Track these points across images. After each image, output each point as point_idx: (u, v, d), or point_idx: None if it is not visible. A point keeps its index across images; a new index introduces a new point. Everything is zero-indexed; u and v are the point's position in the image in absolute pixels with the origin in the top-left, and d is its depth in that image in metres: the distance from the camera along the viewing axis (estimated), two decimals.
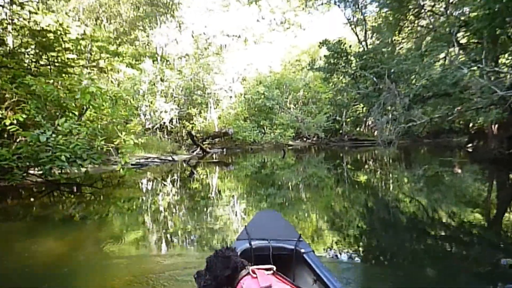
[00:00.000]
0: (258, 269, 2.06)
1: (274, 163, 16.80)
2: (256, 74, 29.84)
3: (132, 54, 11.89)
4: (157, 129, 22.55)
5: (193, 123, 25.47)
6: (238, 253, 2.30)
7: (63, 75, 8.51)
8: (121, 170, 7.60)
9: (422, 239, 5.09)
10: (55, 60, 10.61)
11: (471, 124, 25.85)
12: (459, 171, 12.36)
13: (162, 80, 22.26)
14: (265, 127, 27.82)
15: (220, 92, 25.93)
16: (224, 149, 24.04)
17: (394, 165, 15.49)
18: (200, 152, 20.10)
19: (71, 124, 7.12)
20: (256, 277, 1.96)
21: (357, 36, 22.24)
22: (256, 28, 32.58)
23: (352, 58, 18.03)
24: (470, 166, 13.49)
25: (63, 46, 10.33)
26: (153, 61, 22.37)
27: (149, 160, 14.54)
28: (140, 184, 10.31)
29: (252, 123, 27.08)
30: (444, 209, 6.96)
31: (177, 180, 11.53)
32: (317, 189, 9.50)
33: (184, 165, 15.08)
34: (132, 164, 12.68)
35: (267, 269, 2.10)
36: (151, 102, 20.98)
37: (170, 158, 15.87)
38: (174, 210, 7.09)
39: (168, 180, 11.41)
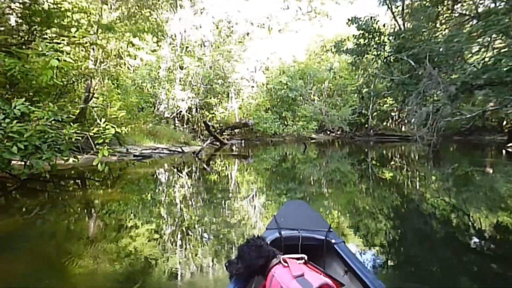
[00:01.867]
0: (290, 258, 2.00)
1: (296, 157, 15.73)
2: (279, 64, 28.23)
3: (130, 30, 10.33)
4: (175, 118, 21.15)
5: (213, 113, 24.34)
6: (268, 242, 2.26)
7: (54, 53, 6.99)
8: (99, 165, 5.91)
9: (459, 249, 4.30)
10: (45, 37, 9.13)
11: (505, 122, 23.37)
12: None
13: (181, 67, 20.70)
14: (287, 119, 26.40)
15: (241, 81, 24.31)
16: (243, 141, 22.66)
17: (423, 163, 13.76)
18: (217, 143, 18.57)
19: (27, 106, 5.48)
20: (288, 266, 1.90)
21: (393, 13, 18.99)
22: (281, 16, 30.63)
23: (385, 39, 15.35)
24: None
25: (55, 21, 8.78)
26: (172, 47, 20.77)
27: (156, 151, 13.14)
28: (140, 178, 8.96)
29: (273, 115, 26.06)
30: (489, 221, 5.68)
31: (187, 174, 10.31)
32: (340, 185, 8.79)
33: (196, 158, 13.40)
34: (134, 156, 11.16)
35: (298, 259, 2.03)
36: (168, 90, 19.45)
37: (179, 149, 14.39)
38: (188, 204, 6.23)
39: (176, 173, 10.25)
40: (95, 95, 10.72)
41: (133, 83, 16.59)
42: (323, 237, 2.61)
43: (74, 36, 8.48)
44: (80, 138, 6.39)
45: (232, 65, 23.54)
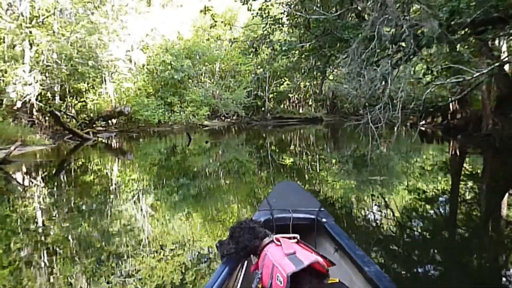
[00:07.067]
0: (282, 237, 2.10)
1: (186, 148, 14.76)
2: (162, 42, 26.24)
3: None
4: (32, 109, 18.19)
5: (83, 101, 22.02)
6: (260, 223, 2.36)
7: None
8: None
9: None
10: None
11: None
12: None
13: (31, 44, 17.53)
14: (174, 105, 24.96)
15: (116, 62, 21.98)
16: (119, 133, 20.63)
17: (323, 147, 14.57)
18: (75, 139, 16.55)
19: None
20: (280, 245, 2.00)
21: None
22: None
23: None
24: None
25: None
26: (16, 16, 17.29)
27: None
28: None
29: (157, 100, 24.34)
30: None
31: None
32: (238, 175, 8.92)
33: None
34: None
35: (290, 238, 2.13)
36: (5, 71, 16.23)
37: None
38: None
39: None
40: None
41: None
42: (314, 217, 2.79)
43: None
44: None
45: (103, 43, 20.83)
